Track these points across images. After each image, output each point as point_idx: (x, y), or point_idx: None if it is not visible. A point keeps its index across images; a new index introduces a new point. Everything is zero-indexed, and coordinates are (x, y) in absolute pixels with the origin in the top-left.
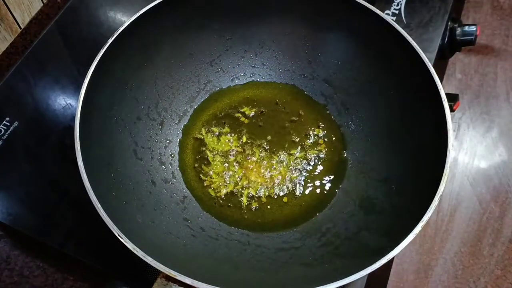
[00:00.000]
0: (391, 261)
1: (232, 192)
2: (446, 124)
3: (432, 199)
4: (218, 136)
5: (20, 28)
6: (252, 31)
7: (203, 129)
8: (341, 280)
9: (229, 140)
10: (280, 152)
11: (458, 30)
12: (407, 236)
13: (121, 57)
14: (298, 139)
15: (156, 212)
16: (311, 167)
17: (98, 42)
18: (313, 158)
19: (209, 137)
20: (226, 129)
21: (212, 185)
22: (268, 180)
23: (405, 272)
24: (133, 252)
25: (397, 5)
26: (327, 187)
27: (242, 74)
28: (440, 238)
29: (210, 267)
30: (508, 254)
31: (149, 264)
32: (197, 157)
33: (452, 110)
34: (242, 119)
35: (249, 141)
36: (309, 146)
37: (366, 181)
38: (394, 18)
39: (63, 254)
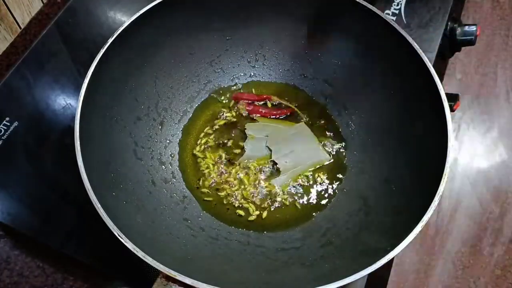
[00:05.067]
0: (391, 261)
1: (232, 193)
2: (446, 124)
3: (432, 199)
4: (218, 136)
5: (20, 28)
6: (252, 31)
7: (203, 129)
8: (341, 280)
9: (229, 140)
10: None
11: (458, 30)
12: (407, 236)
13: (121, 57)
14: None
15: (156, 212)
16: (311, 168)
17: (98, 42)
18: None
19: (209, 137)
20: (226, 129)
21: (213, 186)
22: (268, 180)
23: (405, 272)
24: (133, 252)
25: (397, 5)
26: (327, 187)
27: (242, 74)
28: (440, 238)
29: (210, 267)
30: (508, 254)
31: (149, 264)
32: (197, 157)
33: (452, 110)
34: (242, 119)
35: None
36: None
37: (366, 181)
38: (394, 18)
39: (63, 254)
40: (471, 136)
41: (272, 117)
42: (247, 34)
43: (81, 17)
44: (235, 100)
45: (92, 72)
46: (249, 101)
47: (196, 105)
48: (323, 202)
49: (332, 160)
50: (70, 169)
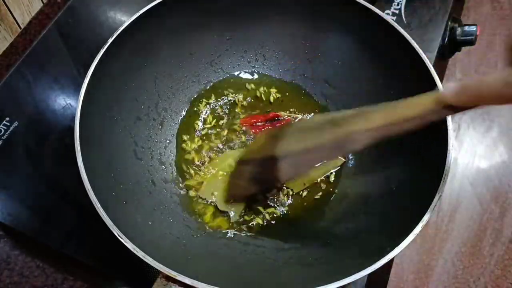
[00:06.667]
0: (391, 261)
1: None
2: (446, 124)
3: (432, 199)
4: (219, 135)
5: (20, 28)
6: (252, 31)
7: (203, 129)
8: (341, 280)
9: (229, 140)
10: None
11: (458, 30)
12: (407, 236)
13: (121, 57)
14: None
15: (156, 212)
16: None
17: (98, 42)
18: None
19: (209, 136)
20: (227, 128)
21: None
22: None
23: (405, 272)
24: (133, 252)
25: (397, 5)
26: (327, 188)
27: (242, 74)
28: (440, 238)
29: (210, 267)
30: (508, 254)
31: (149, 264)
32: (197, 157)
33: None
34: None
35: (249, 141)
36: None
37: (366, 181)
38: (394, 18)
39: (63, 254)
40: (471, 136)
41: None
42: (247, 34)
43: (81, 17)
44: (244, 125)
45: (92, 72)
46: (256, 123)
47: (196, 104)
48: (323, 202)
49: (344, 160)
50: (70, 169)
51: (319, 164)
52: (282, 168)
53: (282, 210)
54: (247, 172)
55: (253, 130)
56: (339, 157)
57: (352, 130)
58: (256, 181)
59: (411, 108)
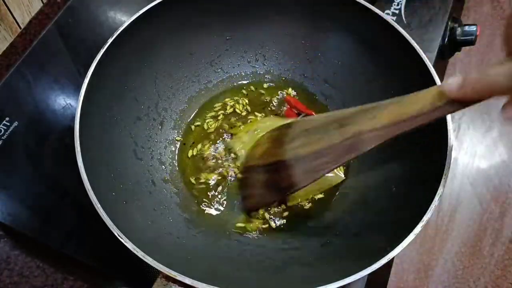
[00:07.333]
0: (391, 261)
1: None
2: (446, 124)
3: (432, 199)
4: (218, 135)
5: (20, 28)
6: (252, 31)
7: (203, 130)
8: (341, 280)
9: (229, 140)
10: None
11: (458, 30)
12: (407, 236)
13: (121, 57)
14: None
15: (156, 212)
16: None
17: (98, 42)
18: None
19: (209, 136)
20: (227, 128)
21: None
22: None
23: (405, 272)
24: (133, 252)
25: (397, 5)
26: (327, 189)
27: (242, 74)
28: (440, 238)
29: (210, 267)
30: (508, 254)
31: (149, 264)
32: (197, 156)
33: None
34: (243, 118)
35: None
36: None
37: (366, 181)
38: (394, 18)
39: (63, 254)
40: (471, 136)
41: None
42: (247, 34)
43: (81, 17)
44: (287, 102)
45: (92, 72)
46: (295, 110)
47: (196, 105)
48: (323, 202)
49: (344, 178)
50: (70, 169)
51: (336, 167)
52: (296, 174)
53: (282, 216)
54: (258, 180)
55: (288, 108)
56: (339, 174)
57: (359, 130)
58: (272, 189)
59: (416, 105)
